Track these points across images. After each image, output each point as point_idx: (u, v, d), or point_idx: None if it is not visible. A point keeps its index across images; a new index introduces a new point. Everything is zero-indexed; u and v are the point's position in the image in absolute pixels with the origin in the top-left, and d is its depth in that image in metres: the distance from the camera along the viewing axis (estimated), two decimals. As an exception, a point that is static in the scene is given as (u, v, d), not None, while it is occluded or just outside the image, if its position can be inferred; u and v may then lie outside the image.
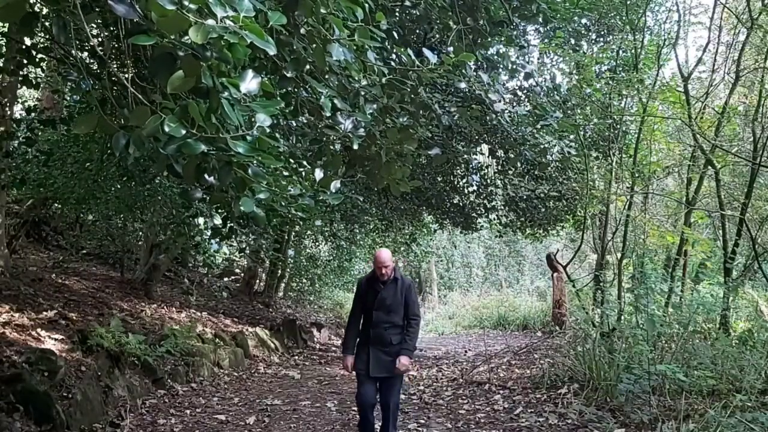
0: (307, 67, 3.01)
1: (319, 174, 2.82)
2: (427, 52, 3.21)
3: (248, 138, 1.91)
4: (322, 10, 2.42)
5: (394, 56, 4.04)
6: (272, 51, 1.70)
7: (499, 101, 4.92)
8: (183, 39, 1.71)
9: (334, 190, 2.88)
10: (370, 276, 4.62)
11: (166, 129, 1.74)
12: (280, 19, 1.83)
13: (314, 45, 2.65)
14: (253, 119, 1.96)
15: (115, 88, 2.41)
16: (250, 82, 1.86)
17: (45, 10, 3.13)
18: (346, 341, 4.62)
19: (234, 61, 1.72)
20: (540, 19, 5.63)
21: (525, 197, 10.53)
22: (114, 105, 2.18)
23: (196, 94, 1.86)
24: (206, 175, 2.21)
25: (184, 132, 1.79)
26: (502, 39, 5.64)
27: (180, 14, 1.52)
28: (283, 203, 2.81)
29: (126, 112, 2.09)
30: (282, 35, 2.65)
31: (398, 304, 4.44)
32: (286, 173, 3.04)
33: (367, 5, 2.71)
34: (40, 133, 6.33)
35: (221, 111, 1.82)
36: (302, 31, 2.70)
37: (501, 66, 5.95)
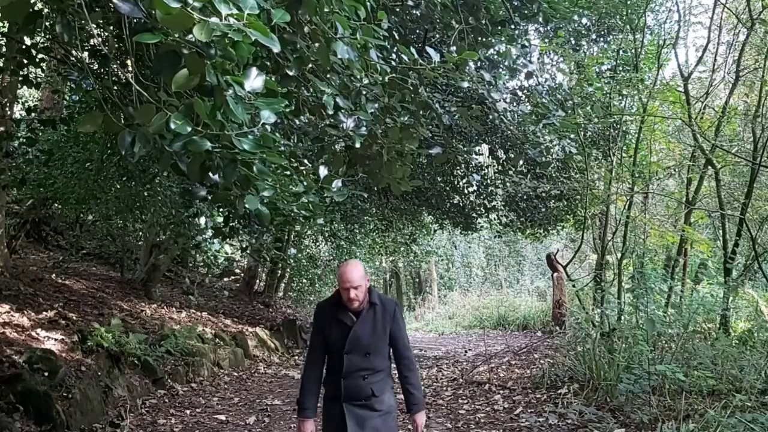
0: (309, 65, 3.01)
1: (323, 171, 2.81)
2: (430, 50, 3.21)
3: (252, 135, 1.91)
4: (326, 9, 2.42)
5: (394, 56, 4.04)
6: (276, 48, 1.70)
7: (501, 100, 4.90)
8: (187, 37, 1.72)
9: (336, 189, 2.89)
10: (334, 301, 3.08)
11: (172, 126, 1.74)
12: (283, 17, 1.83)
13: (318, 44, 2.65)
14: (257, 117, 1.97)
15: (116, 87, 2.41)
16: (255, 80, 1.86)
17: (46, 10, 3.13)
18: (303, 398, 3.12)
19: (238, 58, 1.72)
20: (540, 19, 5.63)
21: (525, 197, 10.52)
22: (117, 104, 2.19)
23: (201, 92, 1.87)
24: (211, 173, 2.21)
25: (189, 129, 1.79)
26: (504, 38, 5.62)
27: (184, 12, 1.52)
28: (286, 201, 2.80)
29: (131, 110, 2.09)
30: (286, 33, 2.65)
31: (380, 341, 3.07)
32: (288, 171, 3.04)
33: (368, 4, 2.71)
34: (40, 134, 6.33)
35: (226, 108, 1.82)
36: (306, 29, 2.70)
37: (503, 65, 5.94)
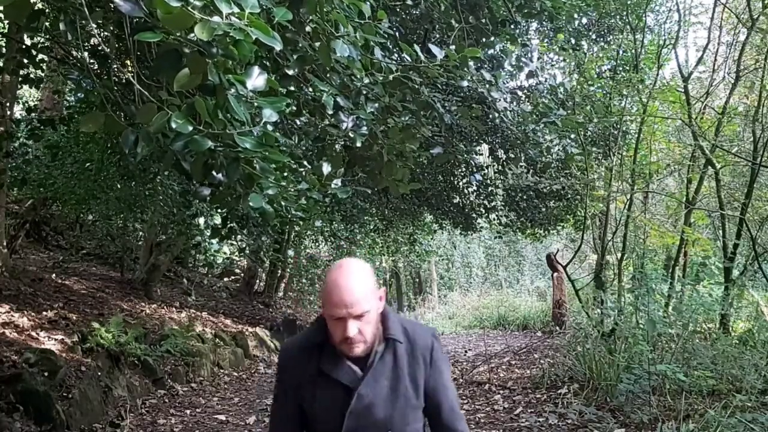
0: (310, 65, 3.01)
1: (326, 168, 2.76)
2: (434, 48, 3.20)
3: (254, 133, 1.92)
4: (326, 8, 2.42)
5: (395, 55, 4.04)
6: (278, 47, 1.70)
7: (501, 100, 4.90)
8: (188, 36, 1.72)
9: (338, 187, 2.88)
10: (317, 341, 1.73)
11: (173, 125, 1.73)
12: (285, 16, 1.83)
13: (319, 43, 2.64)
14: (257, 117, 1.97)
15: (116, 87, 2.41)
16: (257, 79, 1.86)
17: (47, 9, 3.12)
18: None
19: (239, 57, 1.72)
20: (546, 16, 5.60)
21: (525, 197, 10.52)
22: (117, 103, 2.19)
23: (203, 91, 1.87)
24: (214, 172, 2.20)
25: (191, 128, 1.79)
26: (506, 38, 5.62)
27: (185, 11, 1.52)
28: (289, 200, 2.78)
29: (133, 109, 2.09)
30: (287, 33, 2.65)
31: (408, 411, 1.73)
32: (290, 169, 3.04)
33: (368, 3, 2.71)
34: (40, 133, 6.33)
35: (228, 107, 1.82)
36: (308, 28, 2.69)
37: (505, 64, 5.95)
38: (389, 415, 1.69)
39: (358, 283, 1.59)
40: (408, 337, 1.75)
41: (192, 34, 1.63)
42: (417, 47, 3.30)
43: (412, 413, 1.74)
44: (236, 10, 1.57)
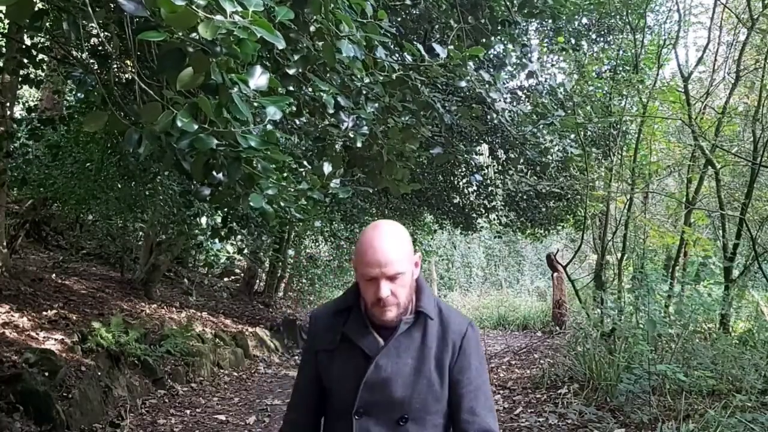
0: (311, 65, 3.01)
1: (327, 167, 2.75)
2: (437, 47, 3.20)
3: (257, 132, 1.92)
4: (330, 7, 2.42)
5: (396, 55, 4.04)
6: (281, 45, 1.70)
7: (500, 100, 4.89)
8: (191, 35, 1.72)
9: (338, 187, 2.88)
10: (347, 306, 1.65)
11: (179, 124, 1.73)
12: (287, 15, 1.83)
13: (323, 42, 2.64)
14: (257, 117, 1.97)
15: (116, 87, 2.41)
16: (259, 78, 1.86)
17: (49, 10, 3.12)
18: None
19: (243, 56, 1.72)
20: (547, 15, 5.60)
21: (525, 197, 10.53)
22: (118, 103, 2.19)
23: (205, 90, 1.87)
24: (214, 172, 2.20)
25: (196, 127, 1.78)
26: (505, 38, 5.62)
27: (189, 10, 1.52)
28: (289, 199, 2.77)
29: (135, 108, 2.09)
30: (291, 32, 2.65)
31: (430, 394, 1.58)
32: (291, 168, 3.04)
33: (369, 3, 2.71)
34: (41, 133, 6.34)
35: (231, 106, 1.82)
36: (311, 28, 2.69)
37: (504, 64, 5.95)
38: (408, 396, 1.55)
39: (394, 244, 1.51)
40: (442, 318, 1.62)
41: (194, 33, 1.64)
42: (419, 46, 3.30)
43: (435, 403, 1.57)
44: (240, 9, 1.57)
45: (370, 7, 2.54)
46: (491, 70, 5.74)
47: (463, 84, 3.89)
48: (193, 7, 1.54)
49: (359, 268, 1.53)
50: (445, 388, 1.58)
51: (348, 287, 1.71)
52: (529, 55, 8.65)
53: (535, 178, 9.69)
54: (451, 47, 3.43)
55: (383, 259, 1.48)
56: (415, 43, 3.29)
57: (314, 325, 1.70)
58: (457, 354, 1.60)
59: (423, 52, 3.28)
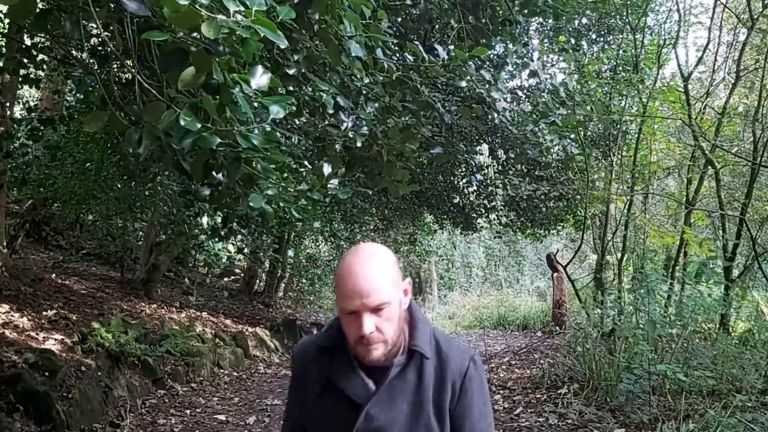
0: (312, 65, 3.01)
1: (326, 168, 2.73)
2: (439, 48, 3.20)
3: (259, 131, 1.91)
4: (339, 9, 2.42)
5: (396, 55, 4.04)
6: (284, 45, 1.70)
7: (501, 100, 4.88)
8: (193, 35, 1.72)
9: (338, 187, 2.87)
10: (331, 343, 1.45)
11: (182, 123, 1.72)
12: (289, 14, 1.83)
13: (325, 42, 2.64)
14: (257, 117, 1.97)
15: (116, 87, 2.41)
16: (260, 78, 1.86)
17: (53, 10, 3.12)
18: None
19: (246, 56, 1.72)
20: (549, 14, 5.58)
21: (525, 197, 10.53)
22: (119, 103, 2.19)
23: (206, 90, 1.87)
24: (214, 172, 2.19)
25: (199, 126, 1.78)
26: (506, 37, 5.61)
27: (192, 9, 1.52)
28: (289, 199, 2.76)
29: (136, 108, 2.09)
30: (293, 32, 2.65)
31: None
32: (290, 169, 3.04)
33: (370, 2, 2.71)
34: (40, 133, 6.34)
35: (232, 106, 1.82)
36: (315, 28, 2.69)
37: (505, 63, 5.94)
38: None
39: (376, 270, 1.31)
40: (440, 355, 1.41)
41: (195, 33, 1.64)
42: (420, 47, 3.30)
43: None
44: (242, 8, 1.57)
45: (368, 9, 2.54)
46: (491, 69, 5.73)
47: (463, 84, 3.88)
48: (197, 6, 1.53)
49: (339, 301, 1.33)
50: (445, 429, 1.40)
51: (330, 321, 1.50)
52: (531, 54, 8.65)
53: (535, 183, 9.69)
54: (453, 47, 3.43)
55: (365, 288, 1.28)
56: (416, 43, 3.28)
57: (300, 362, 1.51)
58: (458, 396, 1.39)
59: (424, 53, 3.28)
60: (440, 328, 1.53)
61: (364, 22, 2.63)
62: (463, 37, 4.67)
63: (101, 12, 2.03)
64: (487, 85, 4.18)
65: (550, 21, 7.55)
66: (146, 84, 2.04)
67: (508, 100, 8.24)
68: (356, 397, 1.37)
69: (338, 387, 1.39)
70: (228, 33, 1.59)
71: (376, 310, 1.30)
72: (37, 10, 2.13)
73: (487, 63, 6.30)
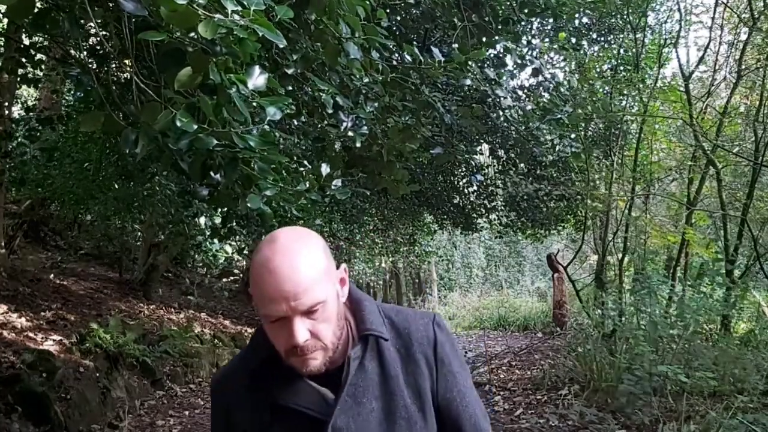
0: (311, 65, 2.99)
1: (325, 168, 2.68)
2: (435, 50, 3.18)
3: (256, 131, 1.90)
4: (339, 10, 2.40)
5: (396, 55, 4.01)
6: (282, 44, 1.68)
7: (506, 98, 4.86)
8: (190, 35, 1.70)
9: (337, 187, 2.85)
10: (257, 362, 1.17)
11: (178, 123, 1.70)
12: (287, 14, 1.81)
13: (324, 43, 2.62)
14: (255, 117, 1.95)
15: (114, 86, 2.39)
16: (258, 78, 1.84)
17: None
18: None
19: (243, 56, 1.70)
20: (549, 14, 5.57)
21: (526, 197, 10.51)
22: (116, 103, 2.17)
23: (203, 90, 1.85)
24: (212, 172, 2.17)
25: (195, 127, 1.76)
26: (508, 36, 5.58)
27: (190, 9, 1.50)
28: (287, 200, 2.72)
29: (132, 108, 2.07)
30: (291, 32, 2.63)
31: None
32: (289, 169, 3.02)
33: (368, 3, 2.69)
34: (38, 133, 6.31)
35: (229, 107, 1.80)
36: (312, 28, 2.67)
37: (507, 62, 5.91)
38: None
39: (303, 263, 1.03)
40: (398, 331, 1.19)
41: (192, 33, 1.62)
42: (416, 50, 3.28)
43: None
44: (240, 8, 1.55)
45: (363, 10, 2.52)
46: (492, 69, 5.71)
47: (467, 82, 3.85)
48: (194, 5, 1.51)
49: (259, 307, 1.05)
50: (430, 417, 1.17)
51: (252, 335, 1.23)
52: (533, 52, 8.63)
53: (536, 183, 9.67)
54: (455, 46, 3.41)
55: (291, 289, 1.01)
56: (415, 43, 3.27)
57: (220, 403, 1.25)
58: (435, 369, 1.18)
59: (420, 56, 3.26)
60: (384, 303, 1.32)
61: (361, 22, 2.61)
62: (467, 35, 4.64)
63: (98, 11, 2.01)
64: (491, 84, 4.16)
65: (551, 21, 7.53)
66: (143, 84, 2.01)
67: (512, 98, 8.23)
68: (315, 413, 1.12)
69: (290, 408, 1.12)
70: (225, 33, 1.56)
71: (309, 312, 1.04)
72: (36, 10, 2.11)
73: (489, 62, 6.27)
